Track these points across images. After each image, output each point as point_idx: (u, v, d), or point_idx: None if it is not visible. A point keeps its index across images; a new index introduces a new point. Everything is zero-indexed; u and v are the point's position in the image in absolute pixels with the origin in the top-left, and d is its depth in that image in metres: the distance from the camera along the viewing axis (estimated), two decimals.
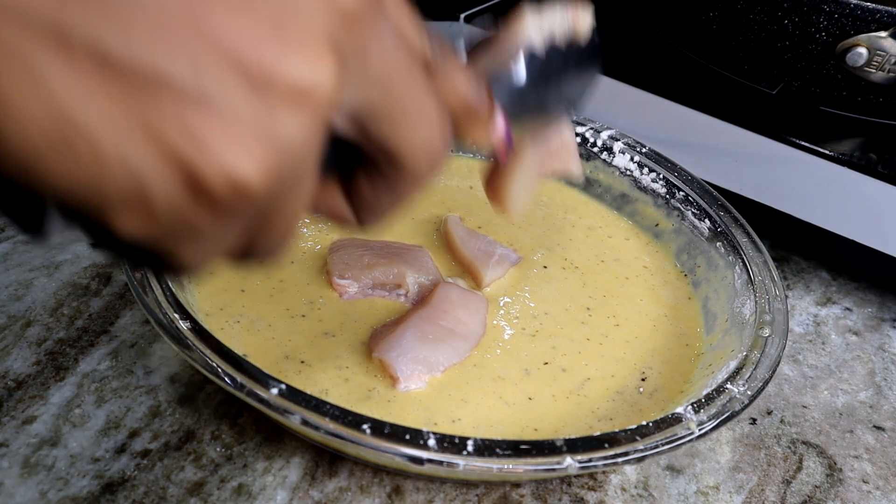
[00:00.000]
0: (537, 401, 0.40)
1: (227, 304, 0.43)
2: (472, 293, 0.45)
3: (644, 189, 0.54)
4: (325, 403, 0.33)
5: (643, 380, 0.43)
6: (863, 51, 0.53)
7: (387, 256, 0.45)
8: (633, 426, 0.36)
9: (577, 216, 0.55)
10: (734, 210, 0.51)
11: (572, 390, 0.41)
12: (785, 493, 0.41)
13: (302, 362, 0.40)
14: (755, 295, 0.45)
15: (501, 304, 0.46)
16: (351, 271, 0.44)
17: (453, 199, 0.54)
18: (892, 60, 0.52)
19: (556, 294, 0.48)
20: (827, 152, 0.53)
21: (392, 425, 0.33)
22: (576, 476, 0.40)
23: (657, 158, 0.55)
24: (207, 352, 0.35)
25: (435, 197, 0.54)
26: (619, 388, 0.42)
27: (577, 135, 0.57)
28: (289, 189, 0.21)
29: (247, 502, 0.37)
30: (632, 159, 0.55)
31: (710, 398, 0.38)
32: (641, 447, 0.35)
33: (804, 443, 0.45)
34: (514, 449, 0.33)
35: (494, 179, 0.36)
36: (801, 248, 0.59)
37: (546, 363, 0.43)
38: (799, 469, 0.43)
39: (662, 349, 0.45)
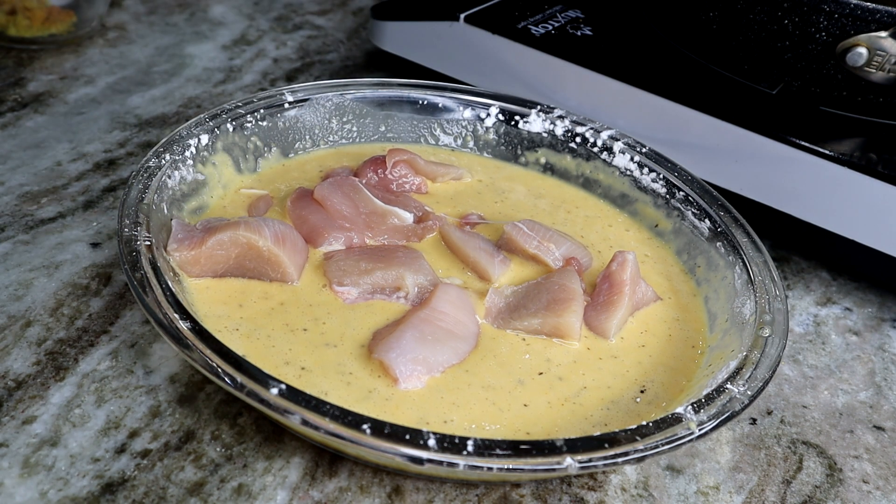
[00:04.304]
0: (532, 407, 0.40)
1: (226, 314, 0.42)
2: (471, 294, 0.45)
3: (644, 189, 0.55)
4: (325, 403, 0.33)
5: (642, 391, 0.42)
6: (863, 51, 0.53)
7: (384, 260, 0.45)
8: (633, 426, 0.36)
9: (573, 206, 0.55)
10: (734, 210, 0.51)
11: (568, 397, 0.41)
12: (785, 493, 0.41)
13: (303, 368, 0.40)
14: (755, 295, 0.45)
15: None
16: (349, 277, 0.44)
17: (443, 193, 0.54)
18: (892, 60, 0.52)
19: None
20: (827, 152, 0.53)
21: (392, 425, 0.33)
22: (576, 476, 0.40)
23: (657, 158, 0.55)
24: (207, 352, 0.35)
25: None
26: (615, 398, 0.42)
27: (577, 135, 0.57)
28: None
29: (247, 502, 0.37)
30: (632, 159, 0.55)
31: (710, 398, 0.38)
32: (641, 447, 0.35)
33: (804, 443, 0.45)
34: (514, 449, 0.33)
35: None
36: (801, 248, 0.59)
37: (541, 373, 0.42)
38: (799, 469, 0.43)
39: (668, 357, 0.45)
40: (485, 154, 0.59)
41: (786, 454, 0.44)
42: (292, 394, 0.34)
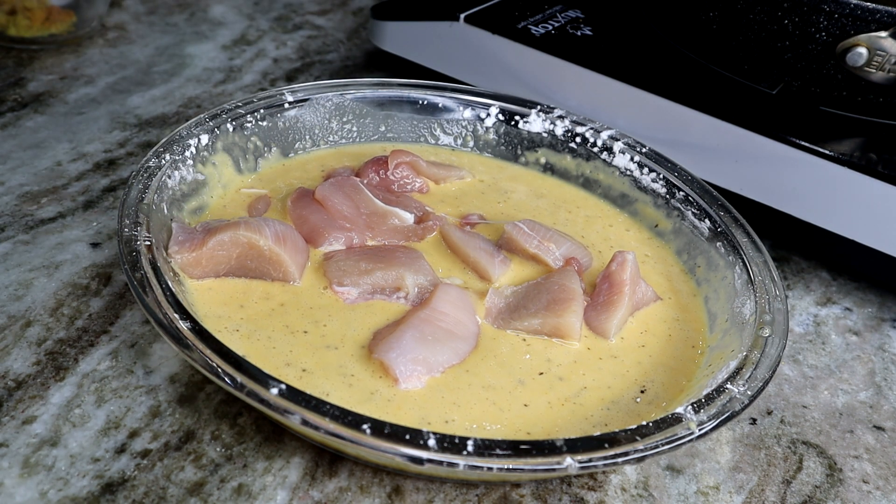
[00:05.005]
0: (532, 407, 0.40)
1: (227, 315, 0.42)
2: (471, 294, 0.45)
3: (644, 189, 0.55)
4: (325, 403, 0.33)
5: (642, 391, 0.42)
6: (863, 51, 0.53)
7: (384, 260, 0.45)
8: (633, 426, 0.36)
9: (574, 206, 0.55)
10: (734, 210, 0.51)
11: (568, 397, 0.41)
12: (785, 493, 0.41)
13: (304, 370, 0.40)
14: (755, 295, 0.45)
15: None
16: (349, 277, 0.44)
17: (444, 193, 0.54)
18: (892, 60, 0.52)
19: None
20: (827, 152, 0.53)
21: (392, 425, 0.33)
22: (576, 476, 0.40)
23: (657, 158, 0.55)
24: (207, 352, 0.35)
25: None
26: (616, 399, 0.42)
27: (577, 135, 0.57)
28: None
29: (247, 502, 0.37)
30: (632, 159, 0.55)
31: (710, 398, 0.38)
32: (641, 447, 0.35)
33: (804, 443, 0.45)
34: (514, 449, 0.33)
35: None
36: (801, 248, 0.59)
37: (541, 373, 0.42)
38: (799, 469, 0.43)
39: (668, 357, 0.45)
40: (485, 154, 0.59)
41: (786, 454, 0.44)
42: (292, 394, 0.34)
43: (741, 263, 0.47)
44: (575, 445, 0.34)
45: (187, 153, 0.48)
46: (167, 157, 0.47)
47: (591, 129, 0.57)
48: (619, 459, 0.34)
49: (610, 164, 0.56)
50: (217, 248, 0.43)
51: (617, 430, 0.35)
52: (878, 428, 0.46)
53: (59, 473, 0.37)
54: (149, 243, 0.41)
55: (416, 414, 0.38)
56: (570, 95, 0.61)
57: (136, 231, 0.41)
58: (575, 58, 0.60)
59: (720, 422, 0.37)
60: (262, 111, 0.53)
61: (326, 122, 0.56)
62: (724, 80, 0.60)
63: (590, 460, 0.34)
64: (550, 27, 0.64)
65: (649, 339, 0.46)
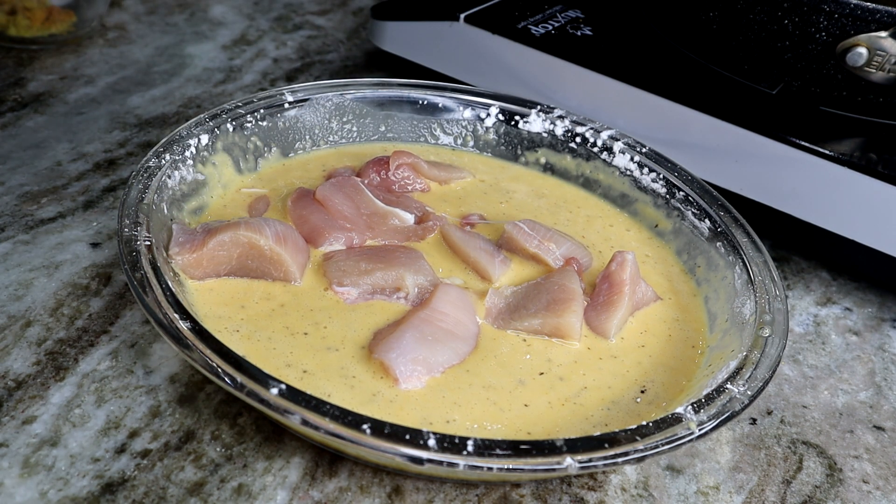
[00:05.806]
0: (533, 407, 0.40)
1: (227, 315, 0.42)
2: (471, 294, 0.45)
3: (644, 189, 0.55)
4: (325, 403, 0.33)
5: (642, 391, 0.42)
6: (863, 51, 0.53)
7: (384, 260, 0.45)
8: (633, 426, 0.36)
9: (575, 206, 0.55)
10: (734, 210, 0.51)
11: (568, 397, 0.41)
12: (785, 493, 0.41)
13: (304, 371, 0.40)
14: (755, 295, 0.45)
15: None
16: (349, 277, 0.44)
17: (446, 192, 0.54)
18: (892, 60, 0.52)
19: None
20: (827, 152, 0.53)
21: (392, 425, 0.33)
22: (576, 476, 0.40)
23: (657, 158, 0.55)
24: (207, 352, 0.35)
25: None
26: (616, 399, 0.42)
27: (577, 135, 0.57)
28: None
29: (247, 502, 0.37)
30: (632, 159, 0.55)
31: (710, 398, 0.38)
32: (641, 447, 0.35)
33: (804, 443, 0.45)
34: (514, 449, 0.33)
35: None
36: (801, 248, 0.59)
37: (541, 373, 0.42)
38: (799, 469, 0.43)
39: (668, 357, 0.45)
40: (485, 154, 0.59)
41: (786, 454, 0.44)
42: (292, 394, 0.34)
43: (741, 263, 0.47)
44: (575, 445, 0.34)
45: (187, 153, 0.48)
46: (167, 157, 0.47)
47: (591, 129, 0.57)
48: (619, 459, 0.34)
49: (610, 164, 0.56)
50: (218, 249, 0.43)
51: (617, 430, 0.35)
52: (878, 428, 0.46)
53: (59, 473, 0.37)
54: (149, 243, 0.41)
55: (417, 414, 0.38)
56: (570, 95, 0.61)
57: (136, 231, 0.41)
58: (575, 58, 0.60)
59: (720, 422, 0.37)
60: (262, 111, 0.53)
61: (326, 122, 0.56)
62: (724, 80, 0.60)
63: (590, 460, 0.34)
64: (550, 27, 0.64)
65: (649, 339, 0.46)
